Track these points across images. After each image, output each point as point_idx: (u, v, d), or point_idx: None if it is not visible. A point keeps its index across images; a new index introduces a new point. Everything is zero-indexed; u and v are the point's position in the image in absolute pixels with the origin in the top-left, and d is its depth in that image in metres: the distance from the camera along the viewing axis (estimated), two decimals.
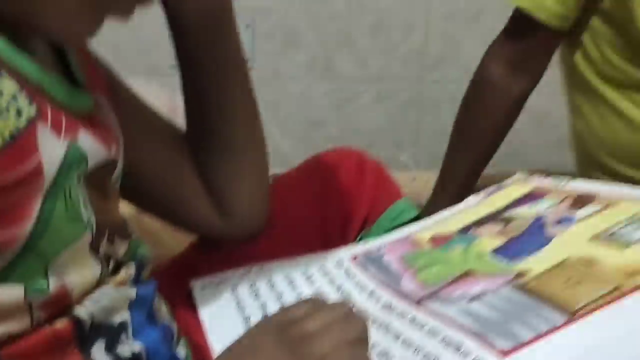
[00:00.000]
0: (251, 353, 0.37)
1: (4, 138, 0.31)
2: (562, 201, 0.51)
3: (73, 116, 0.36)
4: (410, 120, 1.56)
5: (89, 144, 0.37)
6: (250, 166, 0.54)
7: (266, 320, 0.40)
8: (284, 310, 0.41)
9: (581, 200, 0.49)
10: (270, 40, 1.47)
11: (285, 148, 1.49)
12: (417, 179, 1.33)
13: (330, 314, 0.38)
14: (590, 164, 0.98)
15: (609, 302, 0.36)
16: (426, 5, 1.47)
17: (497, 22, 0.94)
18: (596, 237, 0.43)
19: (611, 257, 0.40)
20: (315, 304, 0.40)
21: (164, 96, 1.05)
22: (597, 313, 0.35)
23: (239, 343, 0.39)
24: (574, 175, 1.05)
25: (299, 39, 1.48)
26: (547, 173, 1.39)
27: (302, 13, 1.46)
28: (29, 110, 0.32)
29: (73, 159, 0.35)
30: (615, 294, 0.36)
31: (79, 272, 0.36)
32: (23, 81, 0.33)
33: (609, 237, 0.42)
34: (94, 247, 0.38)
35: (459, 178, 1.01)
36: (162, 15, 0.50)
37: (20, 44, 0.34)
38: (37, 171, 0.33)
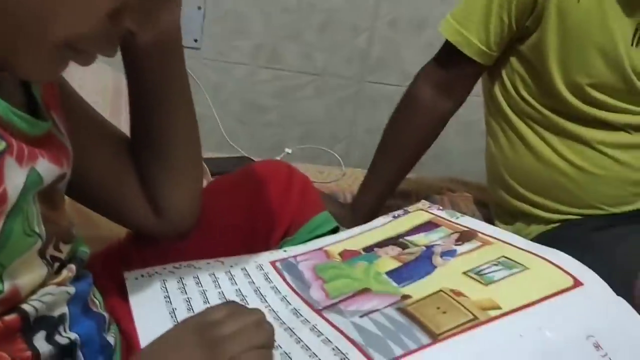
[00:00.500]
0: (173, 348, 0.44)
1: None
2: (451, 234, 0.60)
3: (33, 144, 0.41)
4: (346, 116, 1.63)
5: (46, 166, 0.42)
6: (185, 176, 0.60)
7: (190, 319, 0.48)
8: (206, 311, 0.48)
9: (465, 236, 0.58)
10: (219, 24, 1.50)
11: (224, 130, 1.53)
12: (347, 175, 1.42)
13: (244, 319, 0.46)
14: (497, 183, 1.09)
15: (466, 330, 0.45)
16: (373, 11, 1.54)
17: (437, 37, 1.02)
18: (467, 273, 0.52)
19: (474, 292, 0.48)
20: (233, 309, 0.48)
21: (108, 76, 1.06)
22: (455, 338, 0.44)
23: (164, 338, 0.45)
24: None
25: (248, 26, 1.52)
26: (465, 182, 1.48)
27: (253, 2, 1.50)
28: None
29: (32, 184, 0.40)
30: (473, 323, 0.45)
31: (28, 275, 0.42)
32: None
33: (477, 274, 0.51)
34: (42, 253, 0.43)
35: (384, 181, 1.10)
36: None
37: None
38: (2, 198, 0.37)
